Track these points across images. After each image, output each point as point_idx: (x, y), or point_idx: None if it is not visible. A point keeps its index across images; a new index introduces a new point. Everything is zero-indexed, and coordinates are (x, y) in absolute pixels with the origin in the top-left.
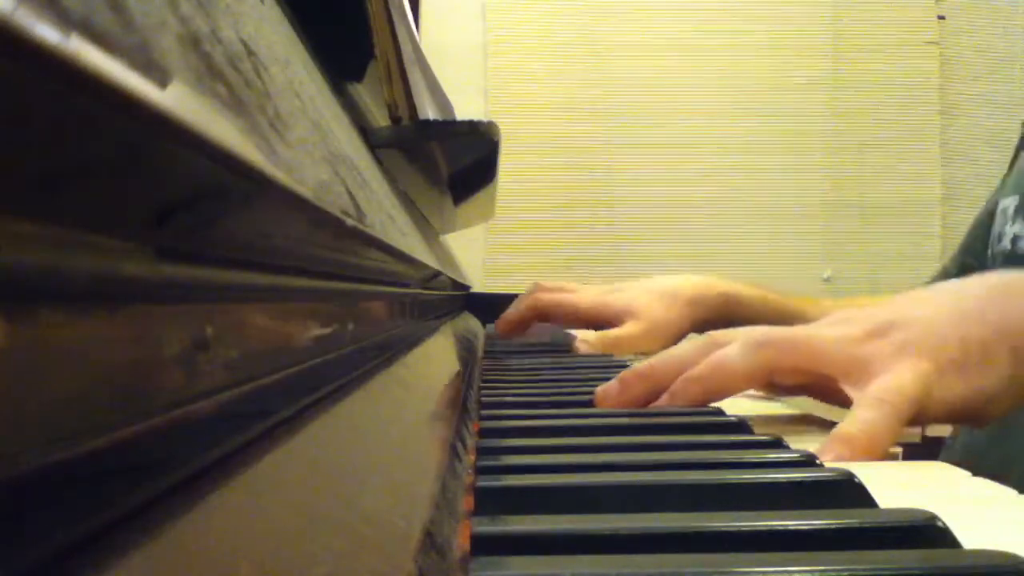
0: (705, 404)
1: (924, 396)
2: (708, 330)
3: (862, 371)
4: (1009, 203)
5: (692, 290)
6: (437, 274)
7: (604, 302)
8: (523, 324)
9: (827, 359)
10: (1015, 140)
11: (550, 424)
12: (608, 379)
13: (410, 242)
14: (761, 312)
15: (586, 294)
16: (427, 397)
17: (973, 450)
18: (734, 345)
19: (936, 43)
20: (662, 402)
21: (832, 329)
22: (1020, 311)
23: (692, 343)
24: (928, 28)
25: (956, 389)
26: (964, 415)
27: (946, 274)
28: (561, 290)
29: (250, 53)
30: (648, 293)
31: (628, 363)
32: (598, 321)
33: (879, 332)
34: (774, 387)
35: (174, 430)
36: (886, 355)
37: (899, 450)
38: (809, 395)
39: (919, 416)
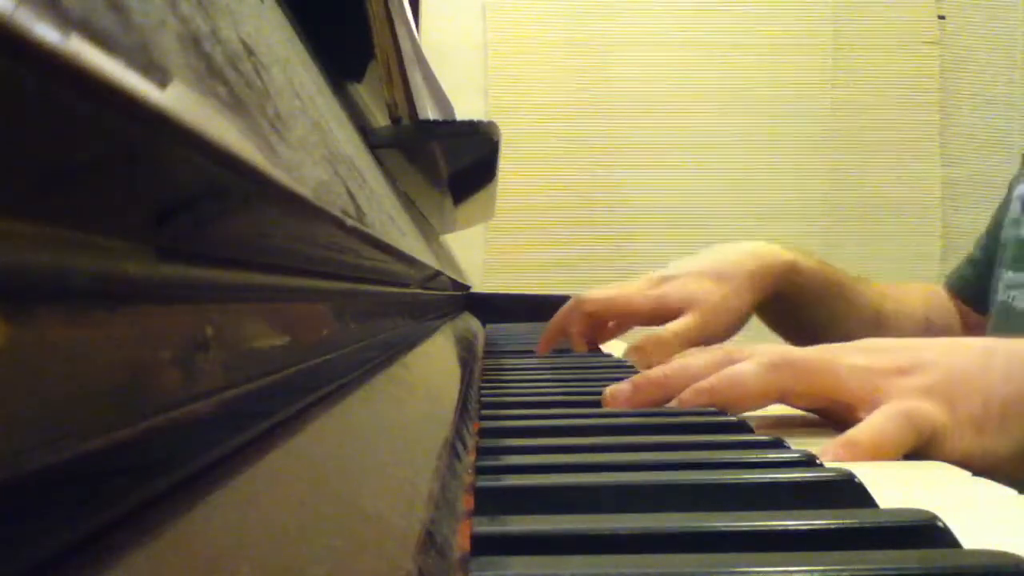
0: None
1: (939, 435)
2: (771, 308)
3: (881, 402)
4: None
5: (753, 262)
6: (437, 274)
7: (659, 295)
8: (566, 332)
9: (847, 387)
10: (1016, 140)
11: (550, 424)
12: (608, 380)
13: (410, 242)
14: (821, 286)
15: (636, 289)
16: (427, 397)
17: None
18: (750, 362)
19: (936, 43)
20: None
21: (856, 357)
22: None
23: (708, 354)
24: (928, 28)
25: (968, 444)
26: (972, 471)
27: (971, 261)
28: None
29: (250, 53)
30: (703, 277)
31: (630, 365)
32: (656, 318)
33: (904, 371)
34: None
35: (174, 430)
36: (907, 393)
37: None
38: (822, 417)
39: (926, 458)
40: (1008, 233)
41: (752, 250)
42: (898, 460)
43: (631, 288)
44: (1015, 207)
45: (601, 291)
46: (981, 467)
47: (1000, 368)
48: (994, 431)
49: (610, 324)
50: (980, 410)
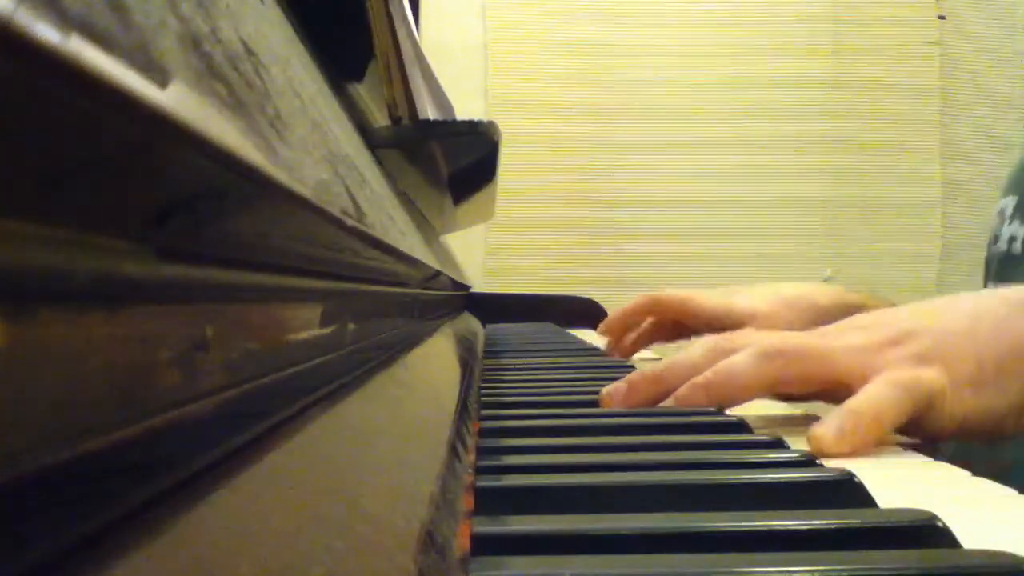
0: None
1: (938, 400)
2: None
3: (876, 377)
4: (1007, 203)
5: (824, 299)
6: (437, 274)
7: (728, 304)
8: (636, 316)
9: (841, 368)
10: (1015, 140)
11: (550, 424)
12: (608, 380)
13: (410, 242)
14: None
15: (709, 295)
16: (427, 397)
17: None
18: (744, 353)
19: (936, 43)
20: (667, 406)
21: (847, 336)
22: None
23: (700, 347)
24: (928, 28)
25: (967, 405)
26: (973, 432)
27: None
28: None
29: (250, 53)
30: (775, 299)
31: (630, 365)
32: (721, 324)
33: (895, 341)
34: (783, 396)
35: (174, 430)
36: (901, 362)
37: (900, 448)
38: (822, 401)
39: (927, 428)
40: (991, 248)
41: (819, 287)
42: (899, 451)
43: (701, 293)
44: (995, 222)
45: (672, 290)
46: (982, 426)
47: (990, 325)
48: (991, 388)
49: (644, 323)
50: (975, 369)
